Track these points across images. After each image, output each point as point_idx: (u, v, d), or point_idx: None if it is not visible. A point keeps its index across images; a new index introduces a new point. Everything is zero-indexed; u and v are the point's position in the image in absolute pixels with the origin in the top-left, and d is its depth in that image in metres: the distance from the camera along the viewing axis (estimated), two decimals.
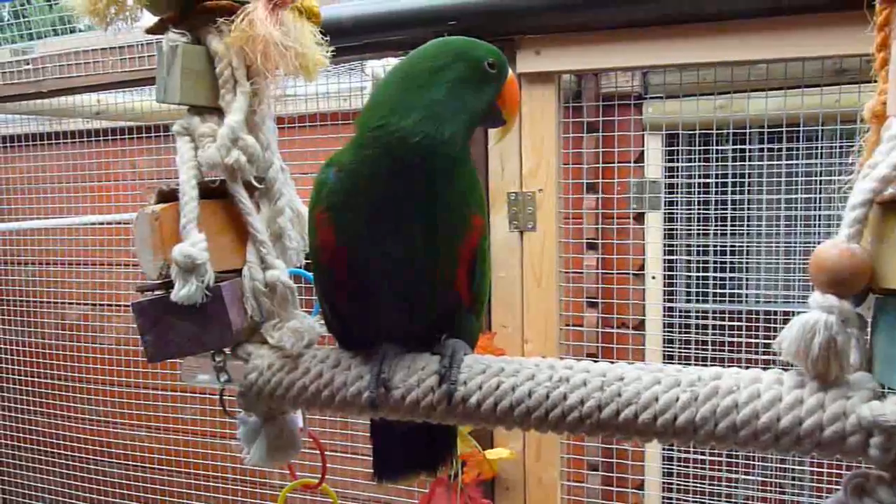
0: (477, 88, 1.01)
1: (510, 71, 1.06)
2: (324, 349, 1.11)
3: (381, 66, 2.45)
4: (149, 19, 1.12)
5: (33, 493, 3.78)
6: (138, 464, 3.58)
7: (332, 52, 1.18)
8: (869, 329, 0.84)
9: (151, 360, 1.09)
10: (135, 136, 3.30)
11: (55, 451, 3.72)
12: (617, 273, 2.72)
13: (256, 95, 1.12)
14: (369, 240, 1.01)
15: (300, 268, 1.23)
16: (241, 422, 1.15)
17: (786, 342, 0.82)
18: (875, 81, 0.93)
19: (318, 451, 1.47)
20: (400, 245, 1.01)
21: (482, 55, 1.02)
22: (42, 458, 3.75)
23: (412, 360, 1.03)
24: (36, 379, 3.69)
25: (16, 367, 3.74)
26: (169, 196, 1.08)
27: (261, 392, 1.08)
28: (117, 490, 3.60)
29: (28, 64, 2.65)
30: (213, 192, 1.12)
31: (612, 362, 0.96)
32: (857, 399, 0.80)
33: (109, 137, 3.40)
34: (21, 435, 3.79)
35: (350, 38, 2.01)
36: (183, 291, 1.02)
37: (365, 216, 1.00)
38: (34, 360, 3.69)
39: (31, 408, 3.73)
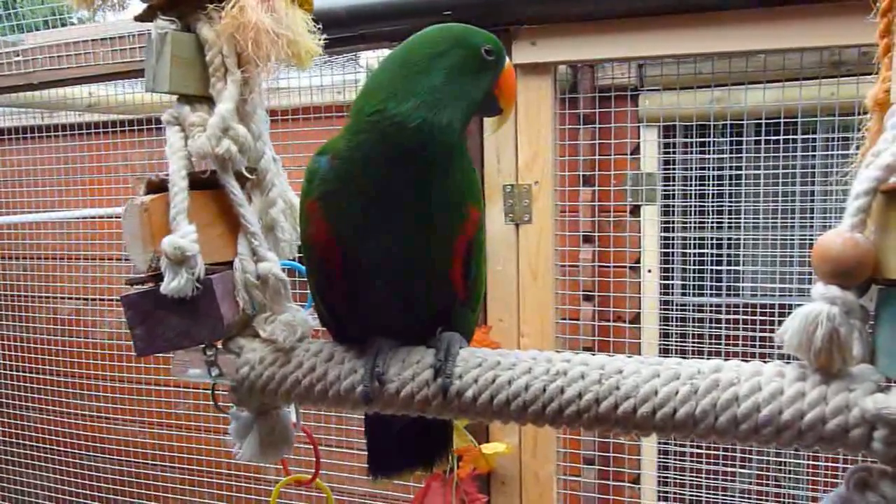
0: (475, 76, 1.00)
1: (507, 59, 1.04)
2: (317, 342, 1.09)
3: (376, 58, 2.43)
4: (137, 6, 1.10)
5: (27, 488, 3.76)
6: (132, 459, 3.56)
7: (326, 42, 1.16)
8: (871, 320, 0.83)
9: (141, 355, 1.06)
10: (127, 128, 3.27)
11: (48, 446, 3.69)
12: (613, 266, 2.71)
13: (247, 84, 1.10)
14: (363, 230, 1.00)
15: (293, 260, 1.21)
16: (232, 417, 1.13)
17: (788, 334, 0.80)
18: (875, 73, 0.92)
19: (311, 446, 1.46)
20: (394, 236, 0.99)
21: (480, 42, 1.00)
22: (35, 453, 3.73)
23: (407, 353, 1.01)
24: (28, 374, 3.67)
25: (8, 362, 3.71)
26: (158, 187, 1.06)
27: (253, 386, 1.07)
28: (111, 486, 3.58)
29: (18, 56, 2.61)
30: (204, 183, 1.09)
31: (610, 356, 0.95)
32: (860, 392, 0.79)
33: (101, 130, 3.36)
34: (14, 431, 3.77)
35: (345, 29, 1.99)
36: (173, 284, 1.00)
37: (359, 205, 0.98)
38: (26, 355, 3.66)
39: (24, 403, 3.71)
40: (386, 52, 2.26)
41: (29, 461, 3.74)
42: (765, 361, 0.88)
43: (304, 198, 1.04)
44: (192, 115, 1.07)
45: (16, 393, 3.71)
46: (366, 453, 1.24)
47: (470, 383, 0.95)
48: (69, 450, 3.65)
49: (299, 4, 1.11)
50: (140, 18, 1.09)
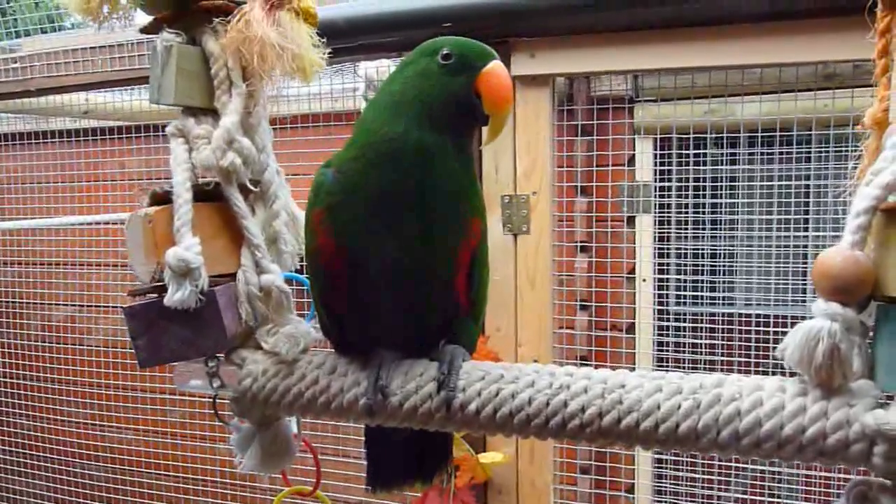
0: (437, 78, 0.99)
1: (491, 64, 0.99)
2: (320, 354, 1.09)
3: (374, 68, 2.44)
4: (143, 18, 1.10)
5: (18, 496, 3.73)
6: (125, 467, 3.54)
7: (329, 53, 1.16)
8: (870, 336, 0.84)
9: (144, 366, 1.07)
10: (123, 135, 3.27)
11: (40, 454, 3.67)
12: (609, 276, 2.72)
13: (252, 97, 1.11)
14: (367, 241, 1.01)
15: (295, 272, 1.22)
16: (234, 428, 1.13)
17: (789, 349, 0.81)
18: (873, 86, 0.93)
19: (310, 457, 1.46)
20: (397, 247, 1.00)
21: (439, 46, 1.01)
22: (27, 460, 3.70)
23: (410, 366, 1.02)
24: (21, 381, 3.64)
25: (1, 368, 3.68)
26: (162, 198, 1.06)
27: (255, 398, 1.07)
28: (103, 493, 3.55)
29: (16, 62, 2.61)
30: (208, 195, 1.10)
31: (607, 366, 0.96)
32: (860, 407, 0.80)
33: (97, 137, 3.36)
34: (5, 437, 3.74)
35: (344, 40, 2.00)
36: (177, 296, 1.00)
37: (363, 216, 1.00)
38: (19, 361, 3.64)
39: (16, 410, 3.68)
40: (384, 62, 2.27)
41: (21, 468, 3.72)
42: (760, 372, 0.89)
43: (310, 209, 1.05)
44: (197, 128, 1.08)
45: (8, 399, 3.68)
46: (363, 463, 1.25)
47: (473, 396, 0.96)
48: (61, 457, 3.63)
49: (304, 18, 1.11)
50: (146, 31, 1.10)
